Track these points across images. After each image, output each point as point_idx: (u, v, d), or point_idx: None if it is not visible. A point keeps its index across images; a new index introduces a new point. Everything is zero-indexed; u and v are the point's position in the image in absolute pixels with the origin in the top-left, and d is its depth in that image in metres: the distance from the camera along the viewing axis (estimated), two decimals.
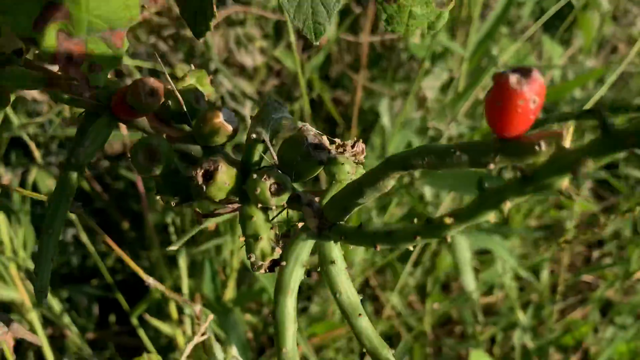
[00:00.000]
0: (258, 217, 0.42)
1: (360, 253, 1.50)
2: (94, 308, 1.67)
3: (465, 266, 1.48)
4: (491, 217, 0.32)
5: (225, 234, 1.35)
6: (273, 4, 1.39)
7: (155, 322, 1.34)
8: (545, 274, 1.72)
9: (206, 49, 1.34)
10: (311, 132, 0.41)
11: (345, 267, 0.42)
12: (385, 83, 1.78)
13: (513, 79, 0.30)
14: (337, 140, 0.43)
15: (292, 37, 0.85)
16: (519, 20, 1.84)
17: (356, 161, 0.43)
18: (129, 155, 0.42)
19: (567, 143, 0.27)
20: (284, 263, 0.41)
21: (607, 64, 2.11)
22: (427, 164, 0.35)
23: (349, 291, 0.42)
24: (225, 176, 0.40)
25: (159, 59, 0.45)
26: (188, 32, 1.41)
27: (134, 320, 1.40)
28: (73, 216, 1.27)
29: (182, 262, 1.41)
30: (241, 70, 1.65)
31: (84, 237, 1.39)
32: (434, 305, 1.60)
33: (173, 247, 0.66)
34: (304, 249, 0.41)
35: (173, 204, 0.46)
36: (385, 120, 1.56)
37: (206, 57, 1.43)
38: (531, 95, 0.30)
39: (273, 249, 0.42)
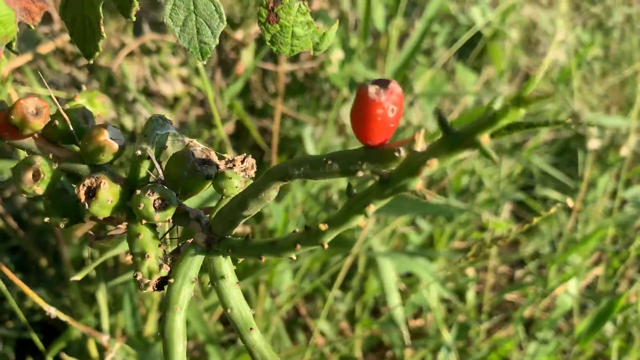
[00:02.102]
0: (145, 234, 0.41)
1: (287, 279, 1.49)
2: (9, 351, 1.58)
3: (391, 288, 1.50)
4: (360, 221, 0.33)
5: None
6: None
7: None
8: (471, 295, 1.77)
9: (124, 77, 1.33)
10: (198, 147, 0.42)
11: (237, 281, 0.43)
12: (310, 111, 1.82)
13: (372, 89, 0.31)
14: (227, 156, 0.43)
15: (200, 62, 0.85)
16: (435, 49, 1.93)
17: (246, 176, 0.43)
18: (12, 176, 0.41)
19: (419, 147, 0.29)
20: (172, 280, 0.41)
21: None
22: (303, 173, 0.36)
23: (240, 306, 0.42)
24: (109, 193, 0.40)
25: (44, 80, 0.45)
26: (104, 61, 1.39)
27: None
28: None
29: (102, 297, 1.36)
30: (164, 100, 1.63)
31: None
32: (364, 330, 1.61)
33: (76, 278, 0.64)
34: (193, 265, 0.41)
35: (62, 225, 0.45)
36: (308, 146, 1.58)
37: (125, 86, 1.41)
38: (389, 105, 0.31)
39: (160, 266, 0.41)
